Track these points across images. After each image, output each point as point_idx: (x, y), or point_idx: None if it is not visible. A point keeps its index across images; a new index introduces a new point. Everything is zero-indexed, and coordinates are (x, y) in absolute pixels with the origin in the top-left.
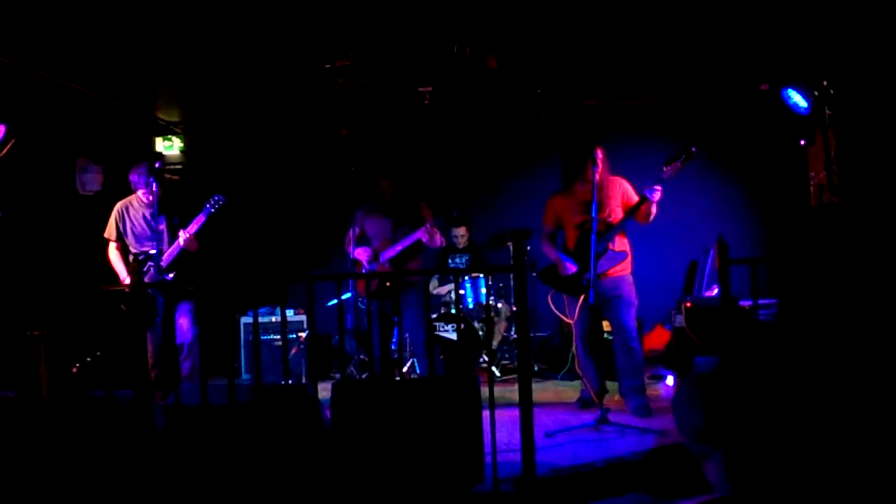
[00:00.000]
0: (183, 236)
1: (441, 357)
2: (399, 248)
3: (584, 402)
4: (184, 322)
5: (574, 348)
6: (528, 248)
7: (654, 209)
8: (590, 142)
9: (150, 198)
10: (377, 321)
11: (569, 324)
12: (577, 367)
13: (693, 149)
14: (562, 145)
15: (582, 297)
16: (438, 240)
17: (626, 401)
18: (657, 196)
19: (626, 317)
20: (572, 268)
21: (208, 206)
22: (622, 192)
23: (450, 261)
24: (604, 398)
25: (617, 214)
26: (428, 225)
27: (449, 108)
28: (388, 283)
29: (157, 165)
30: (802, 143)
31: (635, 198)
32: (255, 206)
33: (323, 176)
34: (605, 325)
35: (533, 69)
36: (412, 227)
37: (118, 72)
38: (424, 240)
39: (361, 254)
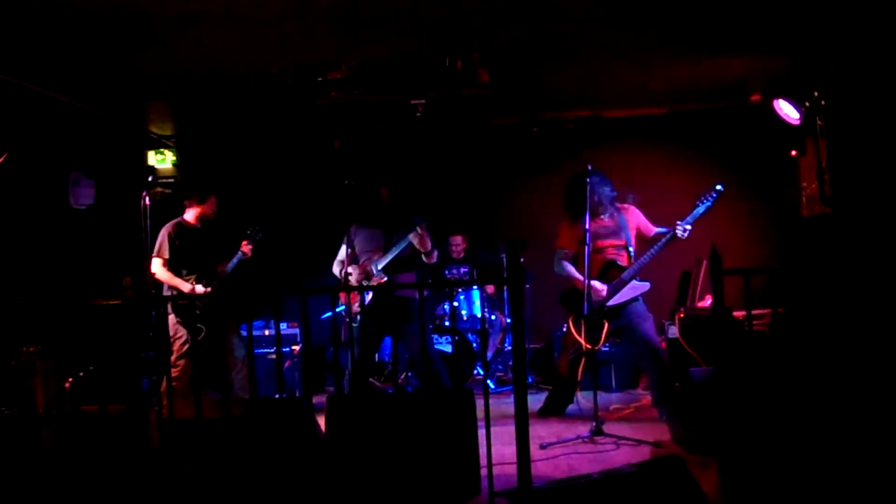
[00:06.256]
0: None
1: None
2: (391, 255)
3: (545, 411)
4: (235, 338)
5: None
6: (522, 259)
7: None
8: (585, 173)
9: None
10: (360, 337)
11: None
12: (564, 375)
13: (720, 186)
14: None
15: (606, 324)
16: (429, 243)
17: (661, 410)
18: (686, 235)
19: (649, 332)
20: (603, 291)
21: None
22: (637, 222)
23: (446, 271)
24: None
25: (634, 244)
26: (418, 228)
27: (441, 121)
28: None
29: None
30: (794, 153)
31: (652, 227)
32: (247, 220)
33: (316, 189)
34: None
35: (525, 82)
36: (404, 234)
37: (111, 86)
38: (416, 243)
39: (352, 270)
